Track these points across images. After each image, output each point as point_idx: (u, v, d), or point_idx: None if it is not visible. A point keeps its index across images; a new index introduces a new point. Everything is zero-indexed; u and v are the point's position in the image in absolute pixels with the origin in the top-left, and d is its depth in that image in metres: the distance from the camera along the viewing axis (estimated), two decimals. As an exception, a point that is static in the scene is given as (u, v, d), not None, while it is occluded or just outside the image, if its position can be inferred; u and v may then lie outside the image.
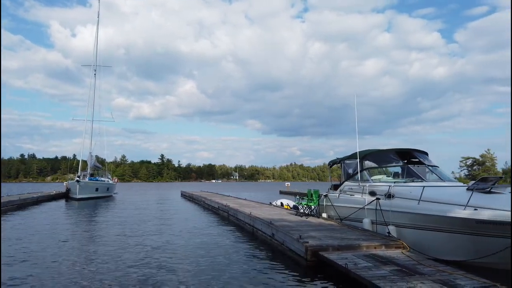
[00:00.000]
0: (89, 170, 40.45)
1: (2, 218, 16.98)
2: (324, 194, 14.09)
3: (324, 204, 13.88)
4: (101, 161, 47.83)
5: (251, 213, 14.06)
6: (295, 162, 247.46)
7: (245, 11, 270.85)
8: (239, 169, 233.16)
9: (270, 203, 20.63)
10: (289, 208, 17.86)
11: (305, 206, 14.06)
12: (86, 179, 36.99)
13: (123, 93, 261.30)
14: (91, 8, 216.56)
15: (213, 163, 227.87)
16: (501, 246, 7.36)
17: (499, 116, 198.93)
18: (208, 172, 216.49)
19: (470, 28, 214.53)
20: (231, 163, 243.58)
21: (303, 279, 7.31)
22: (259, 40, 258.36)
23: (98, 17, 42.20)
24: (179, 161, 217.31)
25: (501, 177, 9.11)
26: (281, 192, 49.25)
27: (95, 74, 41.00)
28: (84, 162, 40.51)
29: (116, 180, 52.82)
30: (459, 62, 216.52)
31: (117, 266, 8.31)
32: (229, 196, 30.23)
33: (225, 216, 18.24)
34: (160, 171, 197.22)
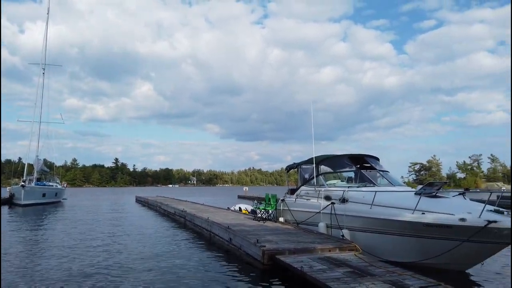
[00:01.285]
0: (35, 174, 38.11)
1: None
2: (281, 198, 14.25)
3: (281, 208, 14.03)
4: (50, 165, 45.25)
5: (208, 218, 13.91)
6: (253, 167, 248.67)
7: (205, 14, 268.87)
8: (197, 173, 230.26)
9: (228, 207, 20.54)
10: (247, 212, 17.87)
11: (262, 210, 14.14)
12: (32, 184, 34.82)
13: (76, 93, 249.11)
14: (42, 3, 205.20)
15: (170, 167, 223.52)
16: (446, 248, 7.82)
17: (445, 124, 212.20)
18: (164, 177, 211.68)
19: (419, 40, 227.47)
20: (188, 168, 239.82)
21: (260, 283, 7.33)
22: (220, 44, 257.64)
23: (48, 13, 40.11)
24: (134, 165, 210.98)
25: (445, 182, 9.72)
26: (239, 197, 49.27)
27: (43, 73, 38.87)
28: (31, 165, 38.15)
29: (65, 185, 50.24)
30: (409, 73, 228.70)
31: (63, 278, 7.87)
32: (186, 201, 29.73)
33: (181, 221, 17.90)
34: (114, 175, 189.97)
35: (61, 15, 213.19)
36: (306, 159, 13.79)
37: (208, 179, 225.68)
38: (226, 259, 9.51)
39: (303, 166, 13.92)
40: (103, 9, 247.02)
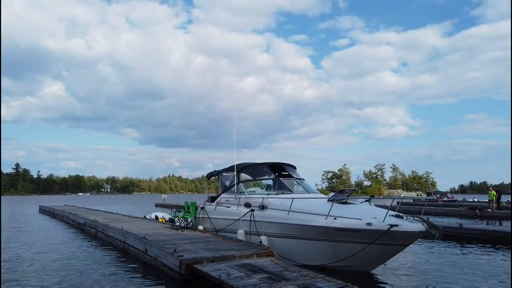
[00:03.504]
0: None
1: None
2: (201, 206, 14.07)
3: (201, 216, 13.85)
4: None
5: (122, 228, 13.16)
6: (173, 174, 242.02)
7: (126, 14, 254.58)
8: (111, 180, 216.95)
9: (144, 216, 19.70)
10: (164, 221, 17.32)
11: (181, 219, 13.80)
12: None
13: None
14: None
15: (81, 174, 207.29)
16: (354, 250, 8.42)
17: (354, 136, 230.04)
18: (74, 184, 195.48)
19: (334, 57, 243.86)
20: (102, 175, 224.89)
21: (176, 295, 7.10)
22: (141, 46, 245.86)
23: None
24: (38, 171, 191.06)
25: (354, 189, 10.47)
26: (157, 205, 47.51)
27: None
28: None
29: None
30: (325, 86, 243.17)
31: None
32: (98, 210, 27.80)
33: (92, 232, 16.67)
34: (14, 182, 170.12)
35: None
36: (227, 166, 13.86)
37: (124, 187, 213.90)
38: (142, 271, 9.07)
39: (224, 174, 13.95)
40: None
